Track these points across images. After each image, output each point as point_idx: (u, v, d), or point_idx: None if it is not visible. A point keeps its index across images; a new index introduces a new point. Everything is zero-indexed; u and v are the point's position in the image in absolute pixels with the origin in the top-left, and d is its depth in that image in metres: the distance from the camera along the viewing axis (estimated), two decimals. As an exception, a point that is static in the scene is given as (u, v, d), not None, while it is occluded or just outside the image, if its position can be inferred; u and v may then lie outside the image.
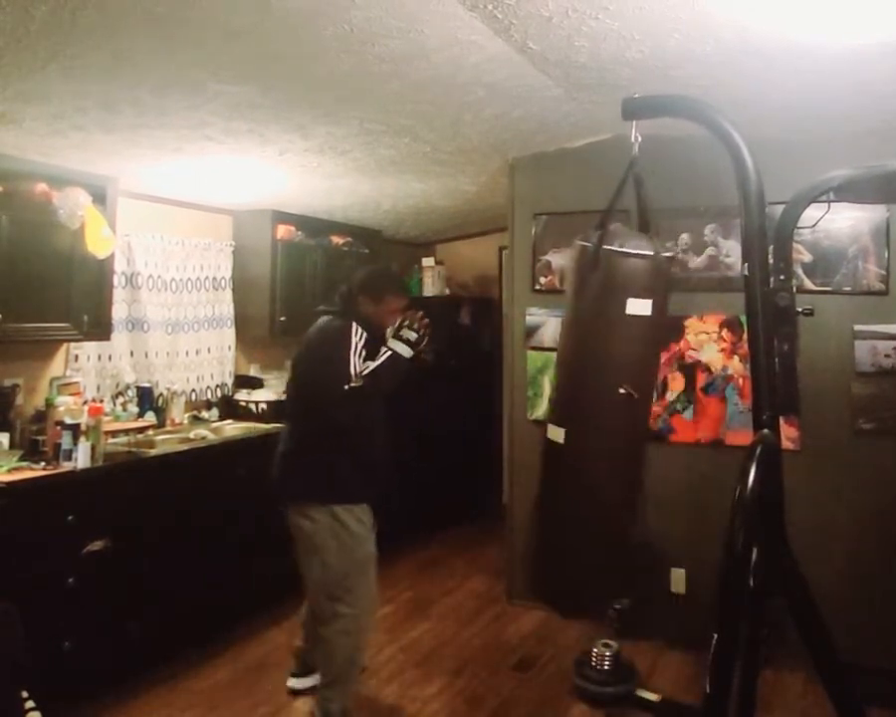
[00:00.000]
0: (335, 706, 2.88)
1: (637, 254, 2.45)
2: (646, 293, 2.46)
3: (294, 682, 3.30)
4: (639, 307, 2.45)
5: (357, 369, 2.78)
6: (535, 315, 4.19)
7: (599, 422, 2.54)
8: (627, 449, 2.63)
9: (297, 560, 3.00)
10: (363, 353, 2.82)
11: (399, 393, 2.92)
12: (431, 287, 5.89)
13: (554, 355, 4.09)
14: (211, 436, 4.14)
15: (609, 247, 2.44)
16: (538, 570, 2.82)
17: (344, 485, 2.87)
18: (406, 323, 2.91)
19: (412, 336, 2.88)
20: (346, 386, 2.74)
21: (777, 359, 2.26)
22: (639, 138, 2.47)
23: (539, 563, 2.80)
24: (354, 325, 2.87)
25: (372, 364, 2.80)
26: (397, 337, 2.88)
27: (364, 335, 2.86)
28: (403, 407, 3.74)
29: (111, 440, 3.66)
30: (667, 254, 2.61)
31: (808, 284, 3.55)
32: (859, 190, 2.49)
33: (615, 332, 2.48)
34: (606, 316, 2.48)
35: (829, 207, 2.48)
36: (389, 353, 2.84)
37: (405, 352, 2.86)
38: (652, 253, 2.48)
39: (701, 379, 3.78)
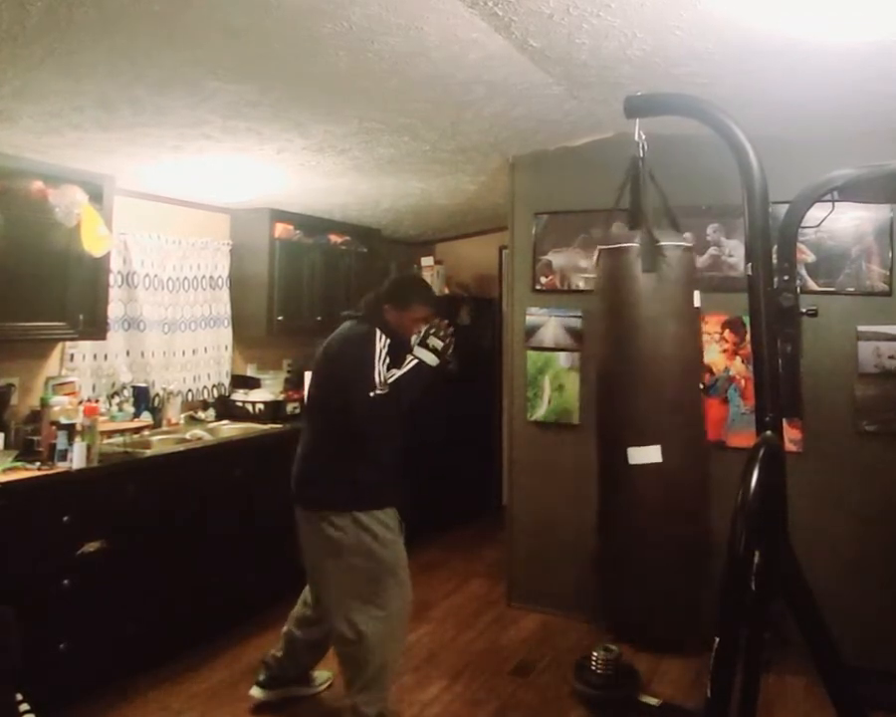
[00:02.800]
0: (370, 710, 2.81)
1: (689, 246, 2.43)
2: (697, 284, 2.45)
3: (256, 691, 3.20)
4: (698, 299, 2.42)
5: (382, 377, 2.74)
6: (535, 315, 4.16)
7: (693, 427, 2.39)
8: (705, 449, 2.50)
9: (312, 566, 2.94)
10: (387, 359, 2.79)
11: (422, 402, 2.88)
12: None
13: (554, 355, 4.10)
14: (208, 437, 4.11)
15: (671, 243, 2.37)
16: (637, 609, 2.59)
17: (367, 490, 2.84)
18: (432, 331, 2.87)
19: (438, 344, 2.84)
20: (372, 394, 2.71)
21: (780, 361, 2.23)
22: (643, 137, 2.45)
23: (637, 601, 2.55)
24: (378, 331, 2.84)
25: (398, 373, 2.77)
26: (423, 345, 2.84)
27: (388, 341, 2.82)
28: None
29: (106, 440, 3.63)
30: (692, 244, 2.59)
31: (811, 284, 3.53)
32: (863, 190, 2.47)
33: (688, 327, 2.40)
34: (678, 312, 2.38)
35: (834, 207, 2.46)
36: (416, 361, 2.81)
37: (431, 360, 2.82)
38: (692, 245, 2.49)
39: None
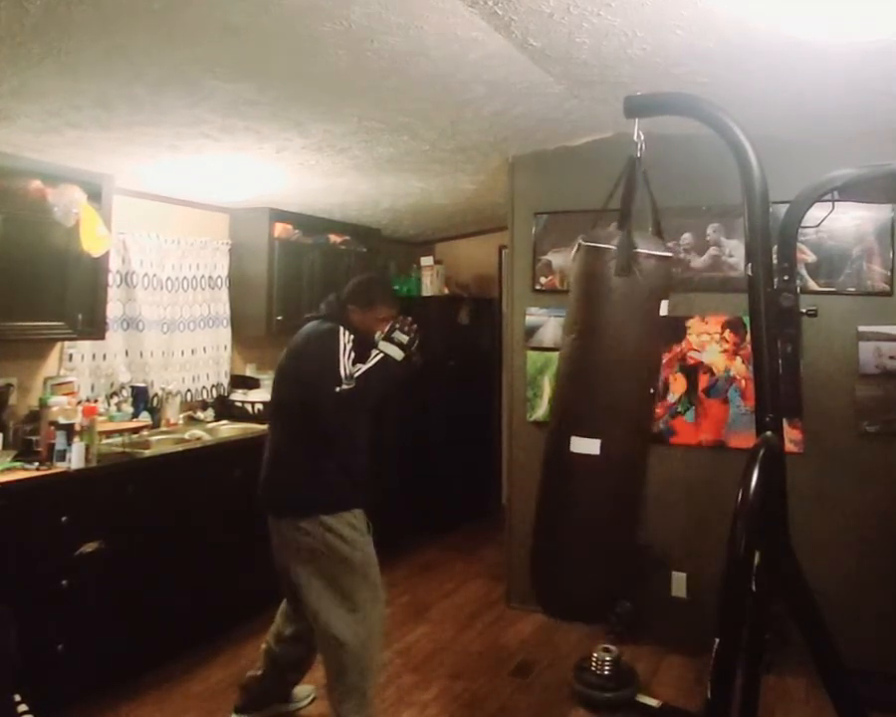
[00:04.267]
0: None
1: (666, 256, 2.46)
2: (667, 294, 2.49)
3: None
4: (665, 308, 2.48)
5: (347, 372, 2.70)
6: (535, 315, 4.16)
7: (635, 427, 2.53)
8: (644, 448, 2.68)
9: (287, 576, 2.86)
10: (352, 355, 2.75)
11: (393, 397, 2.85)
12: (430, 286, 5.84)
13: (554, 355, 4.09)
14: (207, 437, 4.10)
15: (647, 251, 2.39)
16: (556, 584, 2.67)
17: (332, 493, 2.79)
18: (397, 326, 2.84)
19: (403, 339, 2.80)
20: (338, 388, 2.67)
21: (780, 361, 2.23)
22: (642, 137, 2.43)
23: (558, 575, 2.65)
24: (342, 328, 2.81)
25: (363, 367, 2.72)
26: (388, 339, 2.80)
27: (352, 337, 2.80)
28: (401, 408, 3.70)
29: (105, 441, 3.62)
30: (670, 254, 2.61)
31: (812, 284, 3.52)
32: (864, 190, 2.46)
33: (650, 334, 2.47)
34: (642, 319, 2.44)
35: (834, 207, 2.45)
36: (381, 355, 2.76)
37: (396, 354, 2.78)
38: (671, 255, 2.52)
39: (703, 381, 3.75)
